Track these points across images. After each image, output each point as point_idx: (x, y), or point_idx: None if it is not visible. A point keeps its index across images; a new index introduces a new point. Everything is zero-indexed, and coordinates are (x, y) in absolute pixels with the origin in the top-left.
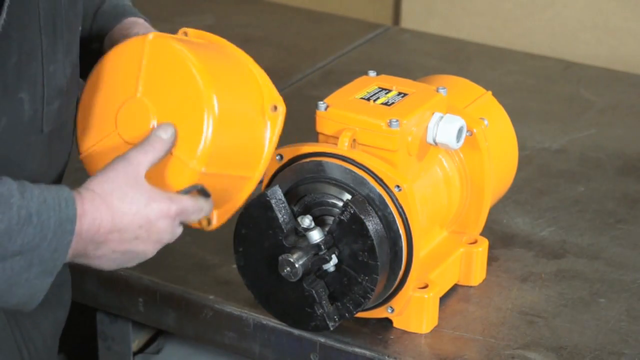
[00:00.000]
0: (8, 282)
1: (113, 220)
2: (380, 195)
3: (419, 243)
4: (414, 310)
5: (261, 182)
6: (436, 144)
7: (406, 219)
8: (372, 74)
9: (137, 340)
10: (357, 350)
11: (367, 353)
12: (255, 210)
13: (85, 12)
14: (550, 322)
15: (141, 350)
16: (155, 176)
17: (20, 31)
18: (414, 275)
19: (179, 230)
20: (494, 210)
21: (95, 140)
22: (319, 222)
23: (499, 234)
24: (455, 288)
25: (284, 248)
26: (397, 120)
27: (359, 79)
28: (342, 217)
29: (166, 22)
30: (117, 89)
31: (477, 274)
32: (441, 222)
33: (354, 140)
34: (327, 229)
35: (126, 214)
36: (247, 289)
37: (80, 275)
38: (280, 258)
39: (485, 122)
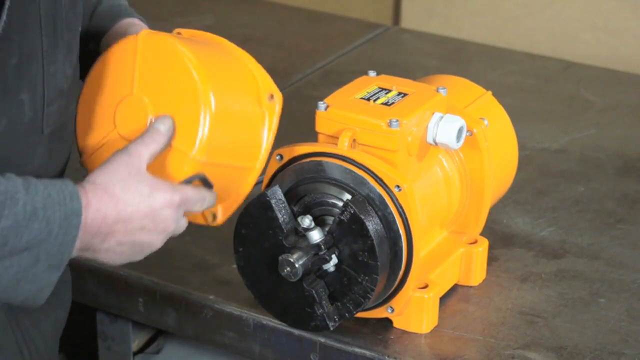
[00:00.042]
0: (16, 278)
1: (117, 210)
2: (380, 195)
3: (419, 243)
4: (414, 310)
5: (261, 182)
6: (436, 144)
7: (406, 219)
8: (372, 74)
9: (137, 340)
10: (357, 350)
11: (367, 353)
12: (255, 210)
13: (82, 13)
14: (550, 322)
15: (141, 350)
16: (156, 168)
17: (21, 32)
18: (414, 275)
19: (184, 222)
20: (494, 210)
21: (96, 141)
22: (319, 222)
23: (499, 234)
24: (455, 288)
25: (284, 248)
26: (397, 120)
27: (359, 79)
28: (342, 217)
29: (166, 22)
30: (113, 89)
31: (477, 274)
32: (441, 222)
33: (354, 140)
34: (327, 229)
35: (130, 204)
36: (247, 289)
37: (80, 275)
38: (280, 258)
39: (485, 122)
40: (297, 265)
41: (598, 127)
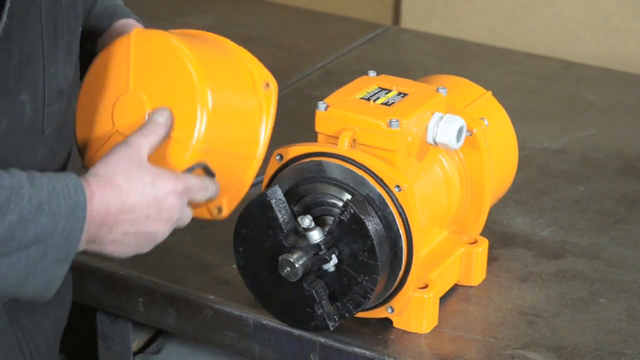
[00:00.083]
0: (24, 273)
1: (121, 200)
2: (380, 195)
3: (419, 243)
4: (414, 310)
5: (261, 182)
6: (436, 144)
7: (406, 219)
8: (372, 74)
9: (137, 340)
10: (357, 350)
11: (367, 353)
12: (255, 210)
13: (82, 13)
14: (550, 322)
15: (141, 350)
16: (157, 159)
17: (22, 33)
18: (414, 275)
19: (189, 212)
20: (494, 210)
21: (96, 141)
22: (319, 222)
23: (499, 234)
24: (455, 288)
25: (284, 248)
26: (397, 120)
27: (359, 79)
28: (342, 217)
29: (166, 22)
30: (109, 89)
31: (477, 274)
32: (441, 222)
33: (354, 140)
34: (327, 229)
35: (133, 192)
36: (247, 289)
37: (80, 275)
38: (280, 258)
39: (485, 122)
40: (297, 265)
41: (598, 127)
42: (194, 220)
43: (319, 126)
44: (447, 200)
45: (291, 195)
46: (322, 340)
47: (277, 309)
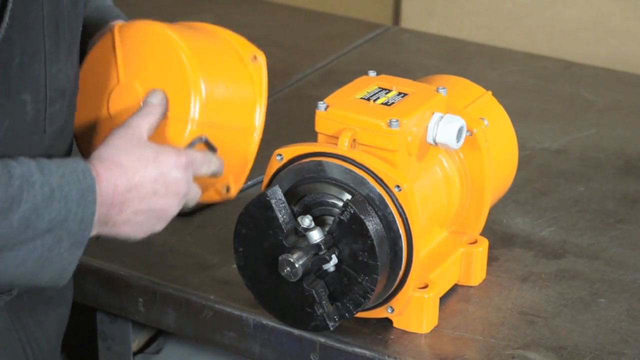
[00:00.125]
0: (41, 260)
1: (127, 178)
2: (380, 195)
3: (419, 243)
4: (414, 310)
5: (261, 182)
6: (436, 144)
7: (406, 219)
8: (372, 74)
9: (137, 340)
10: (357, 350)
11: (367, 353)
12: (255, 210)
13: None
14: (550, 322)
15: (141, 350)
16: (158, 140)
17: (24, 33)
18: (414, 275)
19: (197, 189)
20: (494, 210)
21: (96, 138)
22: (319, 222)
23: (499, 234)
24: (455, 288)
25: (284, 248)
26: (397, 120)
27: (359, 79)
28: (342, 217)
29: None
30: (102, 84)
31: (477, 274)
32: (441, 222)
33: (354, 140)
34: (327, 229)
35: (138, 169)
36: (247, 289)
37: (80, 275)
38: (280, 258)
39: (485, 122)
40: (297, 265)
41: (598, 127)
42: (194, 220)
43: (319, 126)
44: (447, 200)
45: (291, 195)
46: (322, 340)
47: (277, 309)
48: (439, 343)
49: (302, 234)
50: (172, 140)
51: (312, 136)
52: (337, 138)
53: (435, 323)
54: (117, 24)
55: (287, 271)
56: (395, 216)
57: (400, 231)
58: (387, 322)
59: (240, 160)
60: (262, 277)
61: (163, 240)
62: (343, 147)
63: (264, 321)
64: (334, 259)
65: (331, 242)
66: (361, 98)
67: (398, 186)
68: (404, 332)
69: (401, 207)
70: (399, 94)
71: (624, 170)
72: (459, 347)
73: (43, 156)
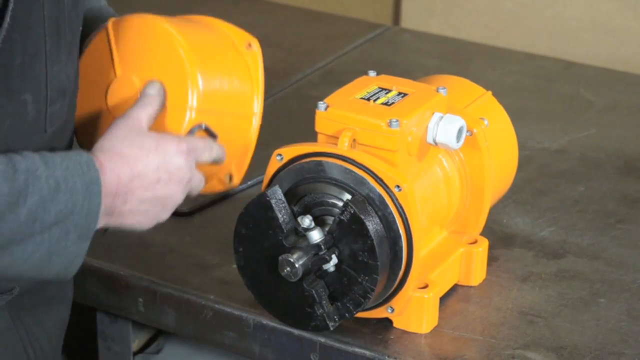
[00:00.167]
0: (48, 253)
1: (130, 167)
2: (380, 195)
3: (419, 243)
4: (414, 310)
5: (261, 182)
6: (436, 144)
7: (406, 219)
8: (372, 74)
9: (137, 340)
10: (357, 350)
11: (367, 353)
12: (255, 210)
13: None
14: (550, 322)
15: (141, 350)
16: (158, 130)
17: (25, 33)
18: (414, 275)
19: (200, 176)
20: (494, 210)
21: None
22: (319, 222)
23: (499, 234)
24: (455, 288)
25: (284, 248)
26: (397, 120)
27: (359, 79)
28: (342, 217)
29: None
30: (99, 80)
31: (477, 274)
32: (441, 222)
33: (354, 140)
34: (327, 229)
35: (140, 159)
36: (247, 289)
37: (80, 275)
38: (280, 258)
39: (485, 122)
40: (297, 265)
41: (598, 127)
42: (194, 220)
43: (319, 126)
44: (447, 200)
45: (291, 195)
46: (322, 340)
47: (277, 309)
48: (439, 343)
49: (302, 234)
50: (172, 129)
51: (312, 136)
52: (337, 138)
53: (435, 323)
54: (111, 19)
55: (287, 271)
56: (395, 216)
57: (400, 231)
58: (387, 322)
59: (241, 147)
60: (262, 277)
61: (163, 240)
62: (343, 147)
63: (264, 321)
64: (334, 259)
65: (331, 242)
66: (361, 98)
67: (398, 186)
68: (404, 332)
69: (401, 207)
70: (399, 94)
71: (624, 170)
72: (459, 347)
73: None
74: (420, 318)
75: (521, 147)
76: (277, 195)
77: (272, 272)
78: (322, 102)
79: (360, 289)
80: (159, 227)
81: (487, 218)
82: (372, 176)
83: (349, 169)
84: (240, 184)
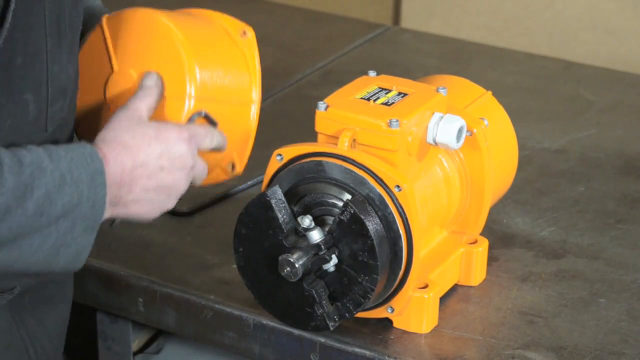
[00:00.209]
0: (56, 246)
1: (132, 156)
2: (380, 195)
3: (419, 243)
4: (414, 310)
5: (261, 182)
6: (436, 144)
7: (406, 219)
8: (372, 74)
9: (137, 340)
10: (357, 350)
11: (367, 353)
12: (255, 210)
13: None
14: (550, 322)
15: (141, 350)
16: (158, 119)
17: (26, 33)
18: (414, 275)
19: (202, 163)
20: (494, 210)
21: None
22: (319, 222)
23: (499, 234)
24: (455, 288)
25: (284, 248)
26: (397, 120)
27: (359, 79)
28: (342, 217)
29: None
30: (97, 76)
31: (477, 274)
32: (441, 222)
33: (354, 140)
34: (327, 229)
35: (141, 147)
36: (247, 289)
37: (80, 275)
38: (280, 258)
39: (485, 122)
40: (297, 265)
41: (598, 127)
42: (194, 220)
43: (319, 126)
44: (447, 200)
45: (291, 195)
46: (322, 340)
47: (277, 309)
48: (439, 343)
49: (302, 234)
50: (172, 118)
51: (312, 136)
52: (337, 138)
53: (435, 323)
54: (104, 16)
55: (287, 271)
56: (395, 216)
57: (400, 231)
58: (387, 322)
59: (242, 135)
60: (262, 277)
61: (163, 240)
62: (343, 147)
63: (264, 321)
64: (334, 259)
65: (331, 242)
66: (361, 98)
67: (398, 186)
68: (404, 332)
69: (401, 207)
70: (399, 94)
71: (624, 170)
72: (459, 347)
73: None
74: (420, 318)
75: (521, 147)
76: (277, 195)
77: (272, 272)
78: (322, 102)
79: (360, 289)
80: (159, 227)
81: (487, 218)
82: (372, 176)
83: (349, 169)
84: (241, 184)
